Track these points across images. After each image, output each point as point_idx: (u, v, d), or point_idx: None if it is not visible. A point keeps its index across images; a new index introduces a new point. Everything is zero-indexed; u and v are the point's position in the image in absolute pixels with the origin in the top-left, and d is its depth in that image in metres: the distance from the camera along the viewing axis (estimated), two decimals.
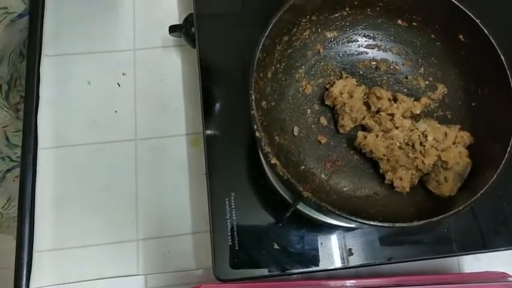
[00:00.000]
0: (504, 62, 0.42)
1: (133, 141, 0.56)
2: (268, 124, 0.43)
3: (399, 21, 0.49)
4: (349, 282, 0.47)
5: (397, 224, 0.36)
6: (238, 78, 0.47)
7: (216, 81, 0.53)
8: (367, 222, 0.36)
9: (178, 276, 0.52)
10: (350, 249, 0.49)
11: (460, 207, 0.37)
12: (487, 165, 0.40)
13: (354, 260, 0.48)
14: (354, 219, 0.36)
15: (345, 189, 0.44)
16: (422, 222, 0.37)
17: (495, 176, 0.38)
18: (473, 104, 0.46)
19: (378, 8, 0.48)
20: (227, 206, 0.49)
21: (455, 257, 0.53)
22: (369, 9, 0.49)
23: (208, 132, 0.51)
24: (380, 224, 0.37)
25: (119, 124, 0.57)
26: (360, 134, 0.44)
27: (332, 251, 0.49)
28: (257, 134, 0.39)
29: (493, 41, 0.43)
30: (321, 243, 0.49)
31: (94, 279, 0.52)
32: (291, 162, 0.44)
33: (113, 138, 0.56)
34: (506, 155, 0.39)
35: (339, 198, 0.43)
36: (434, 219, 0.37)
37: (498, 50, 0.42)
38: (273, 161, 0.38)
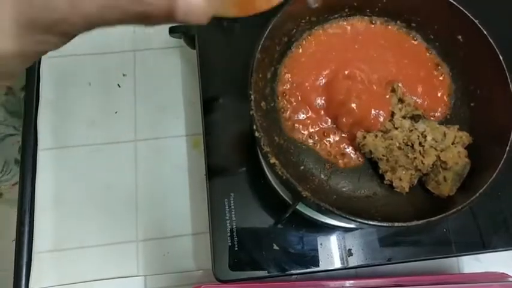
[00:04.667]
0: (503, 62, 0.42)
1: (133, 142, 0.57)
2: (268, 125, 0.43)
3: (398, 22, 0.49)
4: (348, 283, 0.47)
5: (396, 224, 0.37)
6: (238, 79, 0.47)
7: (216, 82, 0.53)
8: (366, 222, 0.36)
9: (178, 277, 0.52)
10: (349, 250, 0.49)
11: (459, 207, 0.38)
12: (486, 166, 0.40)
13: (354, 261, 0.48)
14: (353, 219, 0.36)
15: (344, 189, 0.44)
16: (421, 221, 0.37)
17: (494, 176, 0.39)
18: (472, 104, 0.47)
19: (376, 9, 0.49)
20: (227, 207, 0.49)
21: (455, 258, 0.54)
22: (368, 10, 0.49)
23: (208, 133, 0.51)
24: (379, 223, 0.37)
25: (118, 125, 0.57)
26: (359, 134, 0.44)
27: (331, 251, 0.49)
28: (256, 134, 0.39)
29: (492, 42, 0.43)
30: (321, 244, 0.49)
31: (93, 280, 0.52)
32: (291, 163, 0.44)
33: (113, 139, 0.56)
34: (505, 156, 0.39)
35: (339, 198, 0.43)
36: (433, 218, 0.37)
37: (497, 51, 0.42)
38: (272, 160, 0.38)
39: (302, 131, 0.45)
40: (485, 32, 0.43)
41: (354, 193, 0.44)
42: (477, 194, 0.38)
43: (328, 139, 0.45)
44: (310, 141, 0.45)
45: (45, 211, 0.53)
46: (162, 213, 0.54)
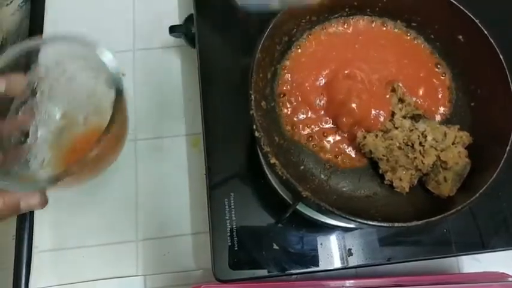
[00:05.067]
0: (503, 61, 0.42)
1: (133, 142, 0.57)
2: (268, 124, 0.43)
3: (398, 22, 0.49)
4: (348, 283, 0.47)
5: (396, 224, 0.37)
6: (238, 78, 0.47)
7: (216, 82, 0.53)
8: (366, 222, 0.36)
9: (177, 277, 0.52)
10: (350, 250, 0.49)
11: (459, 207, 0.38)
12: (486, 166, 0.40)
13: (354, 261, 0.48)
14: (353, 219, 0.36)
15: (344, 189, 0.44)
16: (420, 222, 0.37)
17: (494, 176, 0.38)
18: (473, 104, 0.47)
19: (377, 9, 0.49)
20: (226, 207, 0.49)
21: (455, 258, 0.54)
22: (368, 10, 0.49)
23: (208, 132, 0.51)
24: (379, 224, 0.37)
25: None
26: (360, 134, 0.44)
27: (331, 251, 0.49)
28: (256, 133, 0.39)
29: (492, 41, 0.43)
30: (321, 244, 0.49)
31: (93, 279, 0.52)
32: (291, 163, 0.44)
33: None
34: (505, 155, 0.39)
35: (339, 198, 0.43)
36: (433, 219, 0.37)
37: (497, 50, 0.42)
38: (273, 160, 0.38)
39: (302, 131, 0.45)
40: (485, 32, 0.43)
41: (354, 193, 0.44)
42: (477, 195, 0.38)
43: (328, 139, 0.45)
44: (310, 141, 0.45)
45: (44, 210, 0.53)
46: (162, 212, 0.54)
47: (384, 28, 0.49)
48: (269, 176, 0.49)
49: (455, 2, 0.44)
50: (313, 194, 0.37)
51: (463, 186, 0.42)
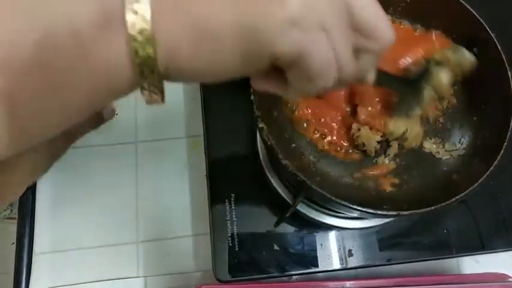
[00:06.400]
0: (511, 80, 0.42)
1: (133, 144, 0.57)
2: (268, 99, 0.42)
3: (419, 25, 0.48)
4: (348, 284, 0.47)
5: (379, 211, 0.36)
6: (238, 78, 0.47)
7: (217, 83, 0.53)
8: (345, 204, 0.36)
9: (178, 278, 0.52)
10: (350, 250, 0.49)
11: (454, 199, 0.37)
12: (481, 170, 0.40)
13: (353, 261, 0.48)
14: (334, 199, 0.36)
15: (331, 174, 0.44)
16: (407, 212, 0.36)
17: (487, 174, 0.38)
18: (475, 118, 0.46)
19: (399, 8, 0.48)
20: (227, 208, 0.49)
21: (455, 259, 0.53)
22: (390, 9, 0.48)
23: (209, 133, 0.52)
24: (363, 209, 0.36)
25: (119, 126, 0.57)
26: (355, 125, 0.44)
27: (331, 252, 0.49)
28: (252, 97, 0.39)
29: (504, 58, 0.42)
30: (320, 245, 0.49)
31: (94, 281, 0.52)
32: (283, 138, 0.44)
33: (114, 140, 0.57)
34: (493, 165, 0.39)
35: (323, 181, 0.43)
36: (420, 210, 0.37)
37: (507, 68, 0.42)
38: (261, 125, 0.38)
39: (301, 112, 0.45)
40: (499, 47, 0.42)
41: (340, 180, 0.44)
42: (467, 192, 0.38)
43: (324, 126, 0.46)
44: (307, 125, 0.45)
45: (45, 212, 0.53)
46: (163, 214, 0.54)
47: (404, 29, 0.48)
48: (270, 176, 0.49)
49: (473, 11, 0.44)
50: (297, 171, 0.37)
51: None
